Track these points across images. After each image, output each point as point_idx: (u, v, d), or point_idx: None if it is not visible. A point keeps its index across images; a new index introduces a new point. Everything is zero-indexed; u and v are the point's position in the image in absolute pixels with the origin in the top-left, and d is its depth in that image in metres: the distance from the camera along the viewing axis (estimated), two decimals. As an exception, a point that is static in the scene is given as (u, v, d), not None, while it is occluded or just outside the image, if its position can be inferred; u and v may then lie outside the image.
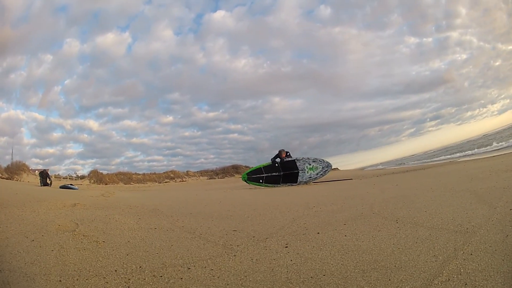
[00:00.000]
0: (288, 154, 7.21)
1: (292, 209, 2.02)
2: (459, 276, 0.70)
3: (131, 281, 0.75)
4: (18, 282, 0.72)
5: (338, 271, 0.79)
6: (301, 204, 2.31)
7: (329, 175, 7.63)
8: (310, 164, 7.12)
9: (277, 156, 7.20)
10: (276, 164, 7.15)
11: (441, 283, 0.68)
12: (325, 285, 0.71)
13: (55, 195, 2.78)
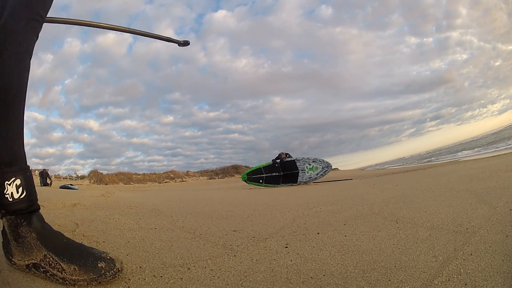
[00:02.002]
0: (287, 155, 7.23)
1: (292, 209, 2.02)
2: (459, 276, 0.70)
3: (131, 281, 0.75)
4: (18, 282, 0.72)
5: (338, 271, 0.79)
6: (301, 204, 2.31)
7: (329, 175, 7.64)
8: (310, 164, 7.13)
9: (277, 158, 7.22)
10: (277, 164, 7.16)
11: (441, 283, 0.68)
12: (325, 285, 0.71)
13: (55, 195, 2.79)
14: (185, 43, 1.62)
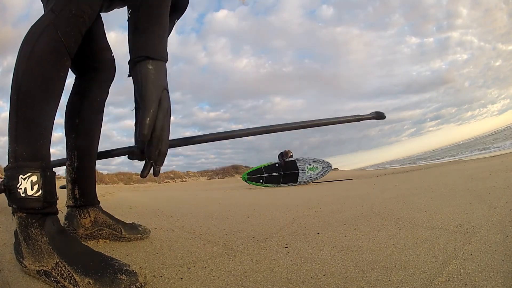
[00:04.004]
0: (291, 155, 7.26)
1: (292, 209, 2.02)
2: (459, 276, 0.70)
3: (131, 281, 0.74)
4: (18, 282, 0.72)
5: (338, 272, 0.79)
6: (301, 204, 2.31)
7: (329, 175, 7.64)
8: (310, 164, 7.13)
9: (282, 154, 7.21)
10: (277, 164, 7.17)
11: (441, 283, 0.68)
12: (325, 285, 0.71)
13: (55, 195, 2.77)
14: (380, 116, 1.28)
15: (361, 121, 1.22)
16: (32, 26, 0.75)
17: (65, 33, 0.73)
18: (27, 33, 0.74)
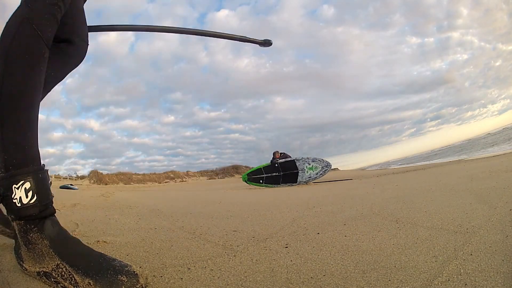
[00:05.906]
0: (282, 154, 7.28)
1: (292, 209, 2.02)
2: (459, 276, 0.70)
3: (131, 281, 0.74)
4: (18, 282, 0.72)
5: (338, 272, 0.79)
6: (301, 204, 2.31)
7: (329, 175, 7.66)
8: (309, 164, 7.14)
9: (273, 158, 7.28)
10: (276, 165, 7.19)
11: (441, 283, 0.68)
12: (325, 285, 0.71)
13: (55, 195, 2.79)
14: (266, 43, 1.45)
15: (246, 42, 1.41)
16: (7, 22, 0.70)
17: (41, 25, 0.69)
18: (2, 30, 0.71)
